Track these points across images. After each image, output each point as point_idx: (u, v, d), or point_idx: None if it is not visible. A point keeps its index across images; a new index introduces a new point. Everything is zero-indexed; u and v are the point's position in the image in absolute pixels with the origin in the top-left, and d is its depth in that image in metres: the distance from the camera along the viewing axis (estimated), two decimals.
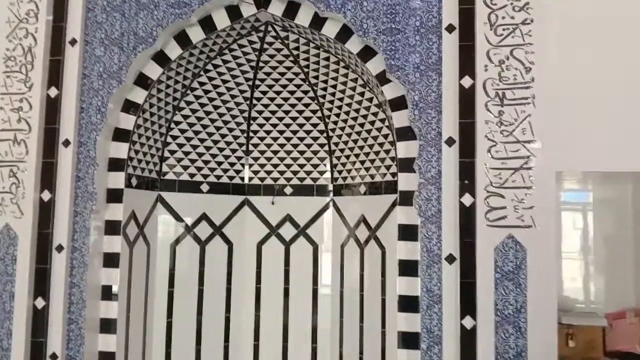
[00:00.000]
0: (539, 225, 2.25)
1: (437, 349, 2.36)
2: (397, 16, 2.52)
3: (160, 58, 2.84)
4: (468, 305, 2.31)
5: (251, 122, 3.41)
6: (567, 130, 2.30)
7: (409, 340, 2.47)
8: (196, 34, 2.83)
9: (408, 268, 2.53)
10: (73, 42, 2.77)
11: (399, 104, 2.59)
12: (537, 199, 2.27)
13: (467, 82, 2.38)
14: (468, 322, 2.30)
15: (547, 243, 2.26)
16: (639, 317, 2.67)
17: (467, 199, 2.35)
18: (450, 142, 2.41)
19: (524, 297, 2.25)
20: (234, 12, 2.79)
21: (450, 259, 2.36)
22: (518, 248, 2.27)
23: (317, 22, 2.69)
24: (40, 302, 2.67)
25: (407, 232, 2.55)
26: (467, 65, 2.39)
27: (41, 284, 2.68)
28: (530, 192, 2.27)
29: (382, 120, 2.92)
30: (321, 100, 3.28)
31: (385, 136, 2.92)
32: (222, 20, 2.81)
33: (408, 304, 2.50)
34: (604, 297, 2.82)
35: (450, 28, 2.44)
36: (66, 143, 2.72)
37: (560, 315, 2.63)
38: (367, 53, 2.63)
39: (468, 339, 2.30)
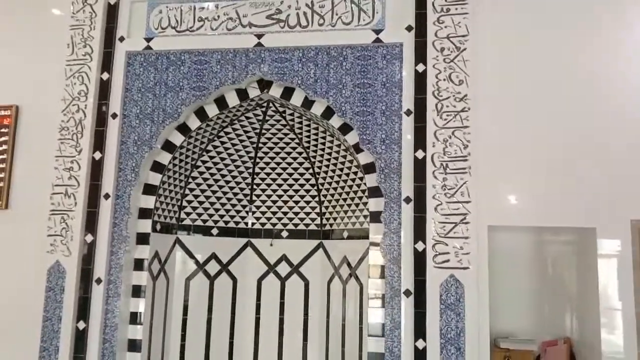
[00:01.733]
0: (474, 268, 2.89)
1: None
2: (368, 101, 3.22)
3: (183, 128, 3.55)
4: (420, 330, 2.92)
5: (255, 176, 4.08)
6: (496, 193, 2.98)
7: (376, 359, 3.07)
8: (212, 110, 3.54)
9: (377, 300, 3.15)
10: (114, 116, 3.47)
11: (370, 168, 3.26)
12: (472, 247, 2.91)
13: (420, 154, 3.07)
14: (420, 343, 2.91)
15: (480, 282, 2.89)
16: (567, 344, 3.24)
17: (420, 246, 2.99)
18: (407, 200, 3.07)
19: (462, 323, 2.86)
20: (242, 94, 3.50)
21: (407, 293, 2.99)
22: (458, 285, 2.90)
23: (307, 103, 3.39)
24: (81, 325, 3.28)
25: (377, 271, 3.18)
26: (420, 141, 3.07)
27: (83, 310, 3.29)
28: (467, 241, 2.92)
29: (361, 179, 3.58)
30: (312, 160, 3.96)
31: (363, 192, 3.57)
32: (232, 99, 3.51)
33: (376, 329, 3.11)
34: (542, 327, 3.39)
35: (408, 112, 3.14)
36: (106, 196, 3.40)
37: (500, 341, 3.23)
38: (346, 127, 3.31)
39: (420, 357, 2.90)
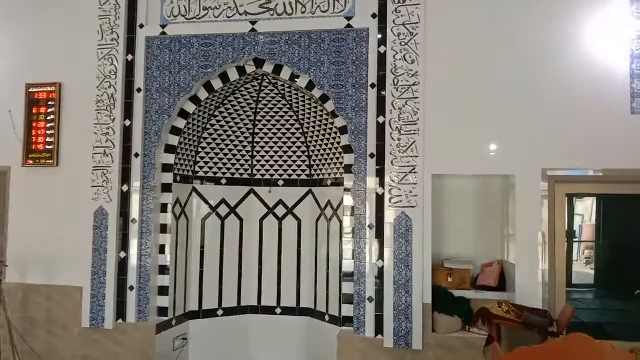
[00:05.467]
0: (420, 206, 3.79)
1: (363, 280, 3.89)
2: (341, 77, 4.01)
3: (194, 99, 4.37)
4: (380, 253, 3.86)
5: (254, 136, 4.94)
6: (439, 150, 3.82)
7: (348, 276, 4.01)
8: (217, 83, 4.34)
9: (350, 233, 4.07)
10: (139, 90, 4.30)
11: (344, 130, 4.09)
12: (419, 191, 3.79)
13: (381, 119, 3.90)
14: (380, 263, 3.85)
15: (425, 217, 3.79)
16: (499, 265, 4.13)
17: (380, 190, 3.88)
18: (372, 156, 3.92)
19: (410, 248, 3.78)
20: (241, 70, 4.30)
21: (371, 226, 3.89)
22: (407, 219, 3.80)
23: (294, 77, 4.20)
24: (122, 254, 4.25)
25: (350, 211, 4.08)
26: (381, 109, 3.90)
27: (124, 243, 4.26)
28: (415, 187, 3.80)
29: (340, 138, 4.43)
30: (302, 122, 4.80)
31: (342, 148, 4.42)
32: (233, 74, 4.31)
33: (349, 254, 4.03)
34: (482, 252, 4.28)
35: (372, 86, 3.94)
36: (136, 155, 4.28)
37: (444, 262, 4.17)
38: (325, 97, 4.12)
39: (380, 273, 3.85)
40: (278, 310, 4.88)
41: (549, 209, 3.80)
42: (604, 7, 3.73)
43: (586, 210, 4.47)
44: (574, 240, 4.30)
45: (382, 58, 3.92)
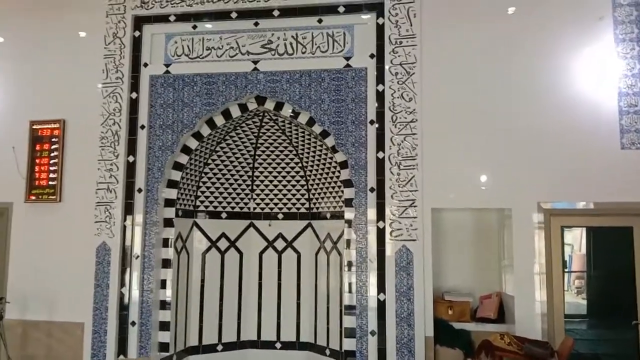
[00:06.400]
0: (420, 240, 3.87)
1: (365, 313, 3.94)
2: (341, 114, 4.15)
3: (197, 135, 4.47)
4: (381, 286, 3.91)
5: (254, 170, 5.03)
6: (437, 184, 3.93)
7: (350, 309, 4.05)
8: (219, 120, 4.45)
9: (351, 266, 4.13)
10: (142, 127, 4.40)
11: (344, 165, 4.19)
12: (419, 224, 3.89)
13: (380, 155, 4.02)
14: (381, 296, 3.91)
15: (425, 250, 3.87)
16: (497, 296, 4.21)
17: (381, 224, 3.97)
18: (372, 190, 4.02)
19: (412, 281, 3.85)
20: (243, 107, 4.42)
21: (372, 259, 3.97)
22: (408, 253, 3.88)
23: (295, 114, 4.33)
24: (125, 290, 4.27)
25: (352, 244, 4.14)
26: (380, 145, 4.02)
27: (125, 278, 4.28)
28: (415, 220, 3.89)
29: (339, 172, 4.52)
30: (301, 156, 4.90)
31: (341, 182, 4.51)
32: (235, 111, 4.43)
33: (350, 288, 4.09)
34: (481, 284, 4.36)
35: (372, 122, 4.07)
36: (139, 190, 4.34)
37: (445, 294, 4.23)
38: (325, 133, 4.24)
39: (381, 307, 3.90)
40: (278, 345, 4.87)
41: (545, 240, 3.90)
42: (591, 48, 3.92)
43: (575, 239, 4.58)
44: (565, 270, 4.40)
45: (380, 96, 4.07)
